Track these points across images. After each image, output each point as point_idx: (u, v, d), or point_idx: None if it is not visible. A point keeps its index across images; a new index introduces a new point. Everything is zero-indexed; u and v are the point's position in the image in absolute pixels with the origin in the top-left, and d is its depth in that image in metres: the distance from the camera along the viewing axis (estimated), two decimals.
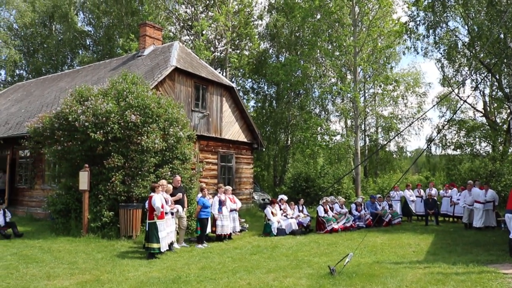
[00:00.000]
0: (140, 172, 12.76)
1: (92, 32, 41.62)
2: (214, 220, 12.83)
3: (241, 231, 14.54)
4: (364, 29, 25.30)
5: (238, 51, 32.61)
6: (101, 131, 12.44)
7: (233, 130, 20.86)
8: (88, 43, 42.22)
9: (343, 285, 7.32)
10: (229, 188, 13.95)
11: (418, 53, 25.08)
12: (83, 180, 12.52)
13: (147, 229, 10.23)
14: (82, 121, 12.48)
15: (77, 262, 9.30)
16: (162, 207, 10.22)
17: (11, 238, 12.65)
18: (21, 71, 43.35)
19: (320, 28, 26.73)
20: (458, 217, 17.19)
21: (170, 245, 10.93)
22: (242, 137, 21.46)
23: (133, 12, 35.11)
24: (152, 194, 10.30)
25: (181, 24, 33.09)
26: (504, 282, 7.29)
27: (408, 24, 23.36)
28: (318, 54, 28.95)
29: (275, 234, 13.97)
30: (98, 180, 12.82)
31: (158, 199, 10.15)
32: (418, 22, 22.70)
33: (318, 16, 26.53)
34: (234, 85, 21.41)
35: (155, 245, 9.93)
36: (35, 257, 9.89)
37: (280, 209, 14.98)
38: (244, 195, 21.16)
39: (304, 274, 8.22)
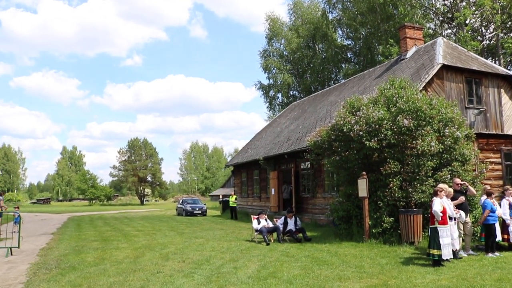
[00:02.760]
0: (417, 177, 12.56)
1: (352, 44, 43.33)
2: (504, 226, 11.59)
3: None
4: None
5: None
6: (375, 138, 12.76)
7: None
8: (349, 56, 44.12)
9: None
10: None
11: None
12: (362, 187, 13.03)
13: (429, 235, 9.96)
14: (356, 130, 13.04)
15: (364, 266, 9.66)
16: (444, 212, 9.78)
17: (301, 241, 14.04)
18: (294, 92, 48.21)
19: None
20: None
21: (456, 252, 10.36)
22: None
23: (388, 17, 35.12)
24: (433, 198, 10.00)
25: (440, 18, 31.43)
26: None
27: None
28: None
29: None
30: (376, 187, 13.15)
31: (438, 203, 9.77)
32: None
33: None
34: None
35: (436, 252, 9.57)
36: (325, 259, 10.67)
37: None
38: None
39: None
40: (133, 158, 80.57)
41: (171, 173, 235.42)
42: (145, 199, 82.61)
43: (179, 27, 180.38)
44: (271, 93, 48.79)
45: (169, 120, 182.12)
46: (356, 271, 9.25)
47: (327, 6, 43.47)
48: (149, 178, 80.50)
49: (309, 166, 20.39)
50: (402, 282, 8.22)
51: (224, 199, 33.35)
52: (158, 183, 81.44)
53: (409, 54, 20.27)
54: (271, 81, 48.25)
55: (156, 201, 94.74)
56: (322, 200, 19.49)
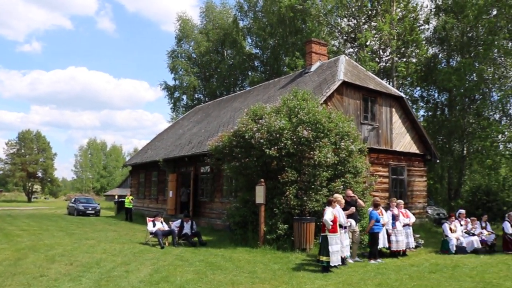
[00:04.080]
0: (312, 186, 13.04)
1: (260, 53, 44.17)
2: (388, 236, 12.46)
3: (416, 247, 13.87)
4: None
5: (405, 59, 31.41)
6: (275, 147, 13.06)
7: (404, 142, 20.08)
8: (256, 64, 44.92)
9: None
10: (401, 202, 13.51)
11: None
12: (259, 194, 13.24)
13: (320, 242, 10.38)
14: (258, 138, 13.25)
15: (256, 272, 9.80)
16: (335, 221, 10.24)
17: (197, 246, 13.93)
18: (199, 95, 48.08)
19: (498, 25, 24.35)
20: None
21: (344, 259, 10.89)
22: (413, 149, 20.53)
23: (296, 31, 36.34)
24: (326, 207, 10.44)
25: (344, 37, 33.19)
26: None
27: None
28: (496, 54, 26.38)
29: (454, 252, 13.11)
30: (273, 194, 13.44)
31: (330, 212, 10.21)
32: None
33: (494, 12, 24.25)
34: (403, 94, 20.66)
35: (325, 258, 9.98)
36: (219, 264, 10.69)
37: (461, 225, 13.94)
38: (417, 209, 20.12)
39: None
40: (23, 151, 74.65)
41: (64, 169, 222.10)
42: (33, 196, 76.93)
43: (86, 17, 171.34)
44: (176, 94, 48.19)
45: (67, 114, 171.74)
46: (249, 276, 9.35)
47: (239, 13, 43.94)
48: (39, 174, 75.19)
49: (209, 170, 20.36)
50: (293, 287, 8.46)
51: (120, 199, 32.16)
52: (49, 179, 76.39)
53: (313, 68, 21.08)
54: (177, 82, 47.66)
55: (46, 198, 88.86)
56: (219, 204, 19.54)
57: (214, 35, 45.53)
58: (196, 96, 47.89)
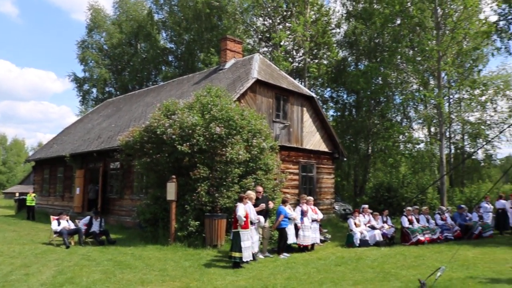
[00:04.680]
0: (224, 183, 13.07)
1: (174, 48, 43.52)
2: (297, 231, 12.83)
3: (323, 241, 14.41)
4: (447, 31, 24.24)
5: (317, 61, 32.55)
6: (187, 143, 12.93)
7: (314, 140, 20.79)
8: (170, 59, 44.22)
9: None
10: (310, 198, 13.93)
11: (510, 53, 23.54)
12: (171, 190, 13.05)
13: (232, 238, 10.45)
14: (170, 134, 13.04)
15: (167, 269, 9.67)
16: (246, 217, 10.36)
17: (105, 244, 13.44)
18: (110, 88, 46.38)
19: (401, 33, 25.98)
20: None
21: (255, 255, 11.05)
22: (323, 147, 21.32)
23: (212, 27, 36.24)
24: (238, 204, 10.52)
25: (259, 36, 33.69)
26: None
27: (498, 24, 21.99)
28: (399, 60, 28.15)
29: (358, 245, 13.76)
30: (185, 191, 13.29)
31: (242, 209, 10.32)
32: (509, 21, 21.28)
33: (398, 21, 25.84)
34: (314, 94, 21.36)
35: (237, 254, 10.09)
36: (128, 263, 10.41)
37: (365, 219, 14.71)
38: (325, 205, 20.95)
39: (393, 287, 7.97)
40: None
41: None
42: None
43: None
44: (86, 87, 46.05)
45: None
46: (159, 274, 9.20)
47: (154, 6, 43.03)
48: None
49: (118, 166, 19.69)
50: (203, 284, 8.44)
51: (21, 197, 30.11)
52: None
53: (227, 65, 21.14)
54: (86, 74, 45.57)
55: None
56: (129, 201, 18.98)
57: (128, 27, 44.12)
58: (107, 89, 46.12)
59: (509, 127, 31.64)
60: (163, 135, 13.18)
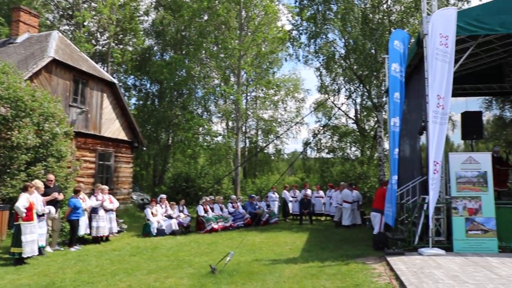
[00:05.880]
0: (8, 170, 11.78)
1: None
2: (90, 221, 12.31)
3: (119, 232, 14.14)
4: (249, 33, 25.94)
5: (122, 46, 31.47)
6: None
7: (113, 128, 20.09)
8: None
9: (224, 283, 7.47)
10: (105, 187, 13.51)
11: (299, 60, 26.62)
12: None
13: (13, 232, 9.48)
14: None
15: None
16: (31, 208, 9.47)
17: None
18: None
19: (207, 29, 26.84)
20: (331, 215, 18.45)
21: (42, 249, 10.23)
22: (122, 135, 20.77)
23: None
24: (22, 193, 9.55)
25: (61, 12, 31.03)
26: (369, 272, 8.05)
27: (291, 33, 24.36)
28: (203, 55, 29.07)
29: (155, 234, 13.88)
30: None
31: (24, 199, 9.37)
32: (300, 31, 23.71)
33: (206, 17, 26.63)
34: (116, 81, 20.65)
35: (17, 250, 9.21)
36: None
37: (162, 209, 14.87)
38: (122, 195, 20.49)
39: (186, 274, 8.25)
40: None
41: None
42: None
43: None
44: None
45: None
46: None
47: None
48: None
49: None
50: None
51: None
52: None
53: (20, 39, 18.92)
54: None
55: None
56: None
57: None
58: None
59: (295, 124, 35.54)
60: None
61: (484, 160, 9.97)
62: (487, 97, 26.79)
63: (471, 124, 14.63)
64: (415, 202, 11.11)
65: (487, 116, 31.45)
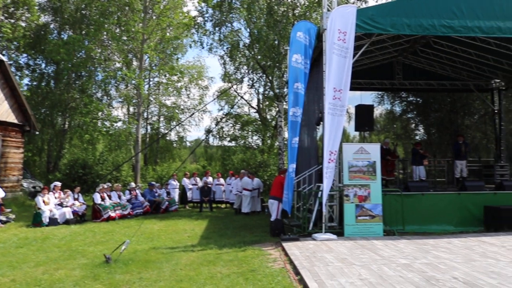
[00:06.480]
0: None
1: None
2: None
3: (5, 222, 13.22)
4: (154, 17, 25.24)
5: (13, 21, 29.05)
6: None
7: (1, 110, 18.59)
8: None
9: (119, 272, 7.28)
10: None
11: (203, 47, 26.29)
12: None
13: None
14: None
15: None
16: None
17: None
18: None
19: (109, 10, 25.68)
20: (231, 203, 18.70)
21: None
22: (11, 118, 19.30)
23: None
24: None
25: None
26: (265, 258, 8.32)
27: (197, 19, 24.09)
28: (105, 36, 27.79)
29: (47, 224, 13.19)
30: None
31: None
32: (206, 18, 23.53)
33: None
34: (5, 58, 19.10)
35: None
36: None
37: (55, 198, 14.08)
38: (10, 183, 19.13)
39: (78, 265, 7.93)
40: None
41: None
42: None
43: None
44: None
45: None
46: None
47: None
48: None
49: None
50: None
51: None
52: None
53: None
54: None
55: None
56: None
57: None
58: None
59: (198, 111, 35.44)
60: None
61: (374, 151, 10.72)
62: (379, 92, 28.47)
63: (363, 117, 15.60)
64: (310, 190, 11.62)
65: (379, 110, 33.64)
